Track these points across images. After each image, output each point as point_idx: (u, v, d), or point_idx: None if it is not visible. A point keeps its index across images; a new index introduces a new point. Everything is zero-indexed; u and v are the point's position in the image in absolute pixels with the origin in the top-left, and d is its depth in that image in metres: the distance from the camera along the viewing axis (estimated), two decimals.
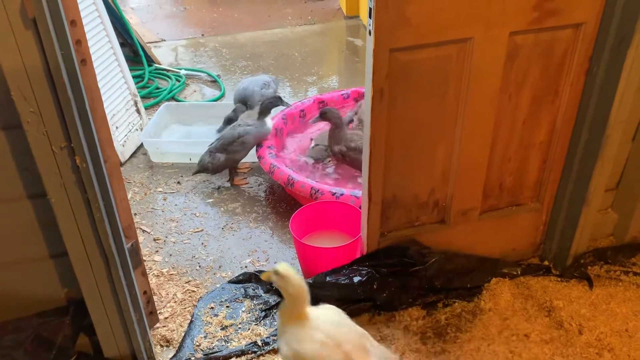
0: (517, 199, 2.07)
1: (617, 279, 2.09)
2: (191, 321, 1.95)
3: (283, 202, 2.64)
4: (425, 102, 1.73)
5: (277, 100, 2.82)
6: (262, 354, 1.83)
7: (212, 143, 2.73)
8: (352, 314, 1.94)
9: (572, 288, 2.07)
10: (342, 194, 2.31)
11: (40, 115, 1.28)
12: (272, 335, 1.88)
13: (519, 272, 2.11)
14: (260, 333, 1.90)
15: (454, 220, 2.01)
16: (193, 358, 1.82)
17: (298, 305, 1.46)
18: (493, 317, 1.96)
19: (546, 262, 2.16)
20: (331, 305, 1.57)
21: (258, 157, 2.67)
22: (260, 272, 2.14)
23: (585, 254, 2.14)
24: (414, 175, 1.88)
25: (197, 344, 1.86)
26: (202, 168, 2.71)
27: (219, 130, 3.01)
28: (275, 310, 2.00)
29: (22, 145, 1.36)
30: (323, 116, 2.59)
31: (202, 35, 4.84)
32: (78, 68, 1.30)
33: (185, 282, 2.17)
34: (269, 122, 2.76)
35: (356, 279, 1.91)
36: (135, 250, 1.73)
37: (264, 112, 2.73)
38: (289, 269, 1.45)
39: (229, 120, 3.01)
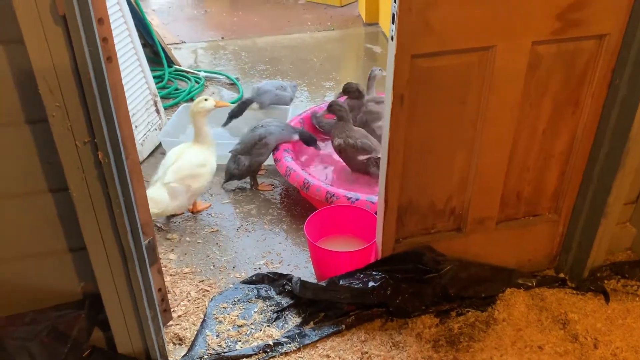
0: (535, 209, 2.05)
1: (634, 294, 2.06)
2: (204, 320, 1.96)
3: (298, 205, 2.65)
4: (445, 108, 1.73)
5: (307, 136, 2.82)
6: (273, 356, 1.84)
7: (234, 148, 2.72)
8: (365, 320, 1.96)
9: (587, 301, 2.05)
10: (357, 199, 2.31)
11: (66, 109, 1.30)
12: (285, 337, 1.89)
13: (534, 284, 2.10)
14: (272, 334, 1.90)
15: (470, 228, 2.00)
16: (205, 357, 1.83)
17: None
18: (507, 327, 1.95)
19: (562, 274, 2.14)
20: None
21: (274, 160, 2.68)
22: (274, 273, 2.15)
23: (602, 267, 2.11)
24: (431, 182, 1.87)
25: (209, 342, 1.87)
26: (230, 175, 2.70)
27: (224, 125, 3.05)
28: (287, 312, 2.00)
29: (46, 139, 1.38)
30: (330, 109, 2.63)
31: (222, 38, 4.89)
32: (104, 65, 1.32)
33: (199, 282, 2.18)
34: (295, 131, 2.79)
35: (370, 284, 1.91)
36: (152, 247, 1.75)
37: (305, 141, 2.78)
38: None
39: (233, 115, 3.04)
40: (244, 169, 2.68)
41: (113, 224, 1.46)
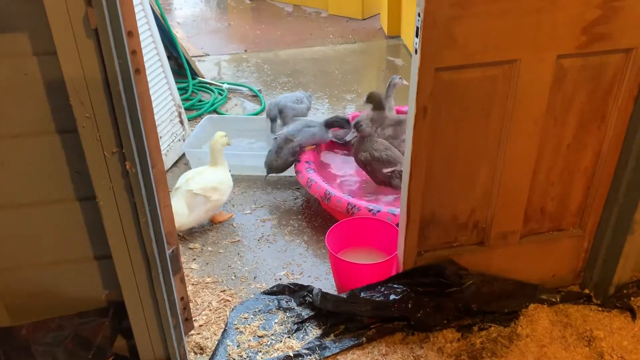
0: (559, 224, 2.03)
1: None
2: (225, 330, 1.97)
3: (319, 216, 2.66)
4: (469, 121, 1.73)
5: (341, 121, 2.93)
6: None
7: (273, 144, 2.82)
8: (385, 333, 1.95)
9: (613, 318, 2.01)
10: (379, 211, 2.31)
11: (95, 120, 1.33)
12: (305, 349, 1.89)
13: (558, 299, 2.06)
14: (292, 346, 1.90)
15: (494, 242, 1.98)
16: None
17: None
18: (530, 343, 1.92)
19: (587, 291, 2.11)
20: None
21: (296, 172, 2.69)
22: (295, 284, 2.15)
23: (629, 284, 2.07)
24: (454, 195, 1.87)
25: (230, 352, 1.88)
26: (269, 167, 2.79)
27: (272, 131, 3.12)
28: (307, 324, 2.00)
29: (75, 149, 1.42)
30: (357, 128, 2.64)
31: (245, 50, 4.95)
32: (133, 77, 1.35)
33: (221, 291, 2.19)
34: (330, 133, 2.92)
35: (391, 297, 1.90)
36: (176, 256, 1.77)
37: (327, 125, 2.90)
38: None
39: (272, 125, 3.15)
40: (284, 160, 2.76)
41: (138, 232, 1.48)
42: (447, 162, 1.79)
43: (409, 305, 1.91)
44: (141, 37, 2.91)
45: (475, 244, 1.99)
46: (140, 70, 1.47)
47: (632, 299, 2.05)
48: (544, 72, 1.68)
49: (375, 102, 2.91)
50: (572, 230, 2.05)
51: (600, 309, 2.05)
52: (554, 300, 2.06)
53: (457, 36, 1.57)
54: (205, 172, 2.55)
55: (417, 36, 1.58)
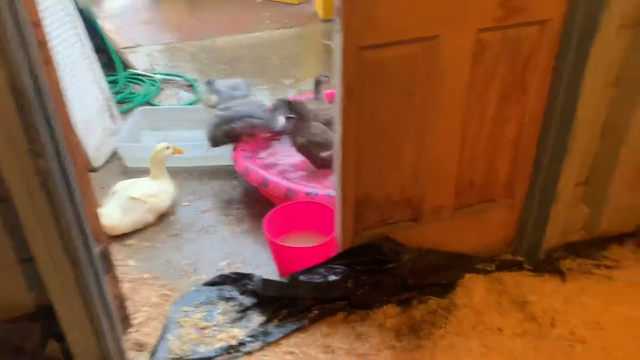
0: (489, 195, 2.09)
1: (588, 273, 2.12)
2: (165, 325, 1.93)
3: (259, 204, 2.63)
4: (394, 100, 1.75)
5: (287, 104, 2.76)
6: (237, 357, 1.82)
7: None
8: (327, 313, 1.96)
9: (545, 282, 2.09)
10: (317, 194, 2.31)
11: (2, 117, 1.26)
12: (248, 337, 1.88)
13: (493, 268, 2.13)
14: (235, 335, 1.88)
15: (427, 218, 2.02)
16: None
17: None
18: (467, 312, 1.98)
19: (519, 258, 2.19)
20: None
21: (233, 161, 2.66)
22: (237, 274, 2.13)
23: (558, 248, 2.16)
24: (385, 174, 1.89)
25: (172, 347, 1.85)
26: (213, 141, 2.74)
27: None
28: (250, 312, 1.99)
29: None
30: (291, 108, 2.61)
31: (179, 40, 4.82)
32: (40, 69, 1.29)
33: (160, 286, 2.15)
34: (280, 119, 2.80)
35: (331, 278, 1.91)
36: (105, 254, 1.72)
37: (277, 108, 2.78)
38: None
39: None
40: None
41: (59, 232, 1.42)
42: (376, 142, 1.81)
43: (349, 285, 1.93)
44: (62, 29, 2.81)
45: (410, 220, 2.03)
46: (49, 62, 1.40)
47: (562, 262, 2.15)
48: (464, 47, 1.72)
49: (296, 111, 2.67)
50: (502, 201, 2.11)
51: (532, 274, 2.13)
52: (488, 269, 2.13)
53: (377, 14, 1.58)
54: (146, 182, 2.55)
55: (338, 16, 1.57)
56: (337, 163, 1.83)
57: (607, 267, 2.15)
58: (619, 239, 2.24)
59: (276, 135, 2.93)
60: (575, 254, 2.17)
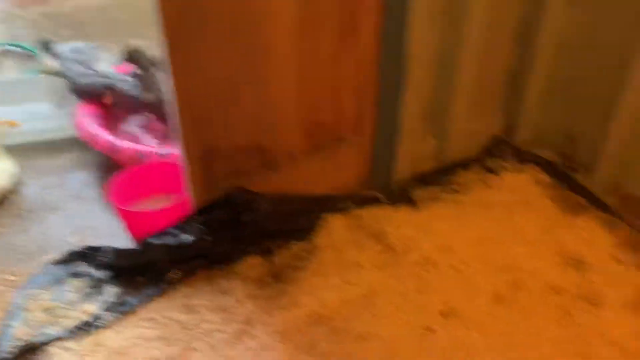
0: (339, 134, 2.11)
1: (437, 199, 2.23)
2: (9, 311, 1.78)
3: (110, 172, 2.46)
4: (225, 45, 1.68)
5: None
6: (92, 332, 1.73)
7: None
8: (188, 275, 1.91)
9: (399, 213, 2.18)
10: (169, 154, 2.21)
11: None
12: (103, 310, 1.79)
13: (351, 205, 2.18)
14: (88, 310, 1.78)
15: (280, 163, 2.01)
16: (14, 349, 1.67)
17: None
18: (328, 252, 2.02)
19: (375, 193, 2.26)
20: None
21: (75, 128, 2.47)
22: (88, 247, 2.00)
23: (409, 181, 2.26)
24: (229, 122, 1.83)
25: (18, 334, 1.71)
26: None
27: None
28: (105, 285, 1.89)
29: None
30: (130, 58, 2.44)
31: (18, 7, 4.35)
32: None
33: (4, 274, 1.97)
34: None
35: (185, 237, 1.86)
36: None
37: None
38: None
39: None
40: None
41: None
42: (213, 91, 1.74)
43: (206, 242, 1.89)
44: None
45: (263, 168, 2.00)
46: None
47: (413, 192, 2.25)
48: None
49: (134, 61, 2.56)
50: (352, 139, 2.15)
51: (387, 207, 2.21)
52: (347, 207, 2.18)
53: None
54: None
55: None
56: (175, 120, 1.75)
57: (455, 191, 2.28)
58: (465, 165, 2.38)
59: (138, 107, 2.74)
60: (426, 183, 2.28)
